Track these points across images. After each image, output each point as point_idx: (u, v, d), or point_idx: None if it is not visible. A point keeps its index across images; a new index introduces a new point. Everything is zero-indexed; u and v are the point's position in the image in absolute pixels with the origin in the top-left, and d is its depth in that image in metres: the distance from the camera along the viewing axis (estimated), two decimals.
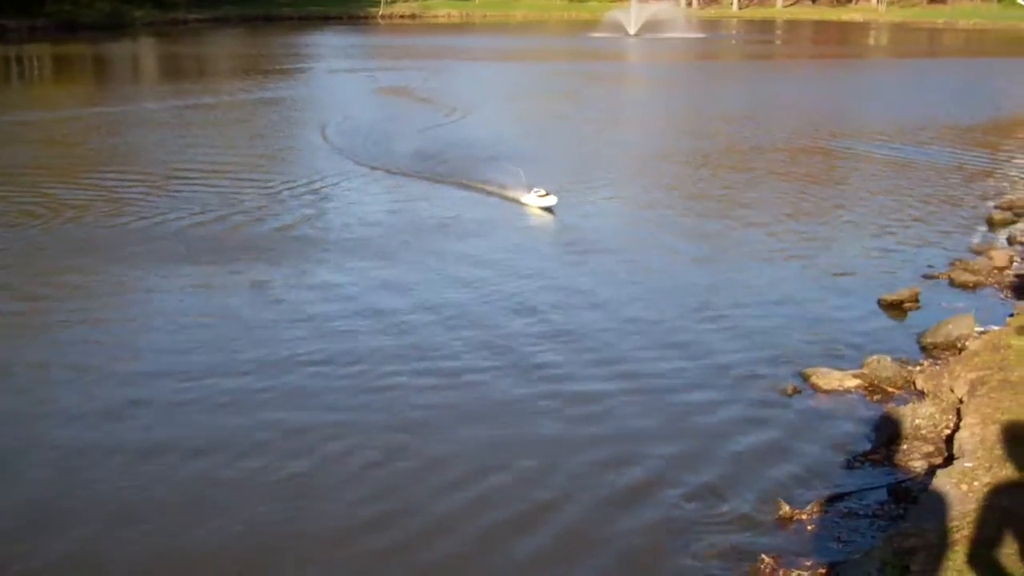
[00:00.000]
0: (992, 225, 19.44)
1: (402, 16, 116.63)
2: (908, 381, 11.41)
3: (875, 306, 14.38)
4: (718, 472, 9.44)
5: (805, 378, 11.57)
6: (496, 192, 21.27)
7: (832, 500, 8.82)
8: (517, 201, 20.24)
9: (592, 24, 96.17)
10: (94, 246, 17.33)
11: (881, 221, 19.68)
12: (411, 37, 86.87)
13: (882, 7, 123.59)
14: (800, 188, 23.10)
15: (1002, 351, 11.01)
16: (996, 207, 20.76)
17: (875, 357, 11.78)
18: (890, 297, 14.47)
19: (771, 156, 27.58)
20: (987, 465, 8.33)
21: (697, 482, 9.24)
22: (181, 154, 26.81)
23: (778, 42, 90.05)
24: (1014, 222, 19.51)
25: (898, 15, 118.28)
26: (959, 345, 12.29)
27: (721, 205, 21.30)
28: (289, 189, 22.09)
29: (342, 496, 9.00)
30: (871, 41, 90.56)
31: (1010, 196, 22.03)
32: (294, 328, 13.26)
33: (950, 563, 6.96)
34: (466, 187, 22.08)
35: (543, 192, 19.70)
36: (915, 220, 19.78)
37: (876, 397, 11.11)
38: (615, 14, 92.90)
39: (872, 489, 9.03)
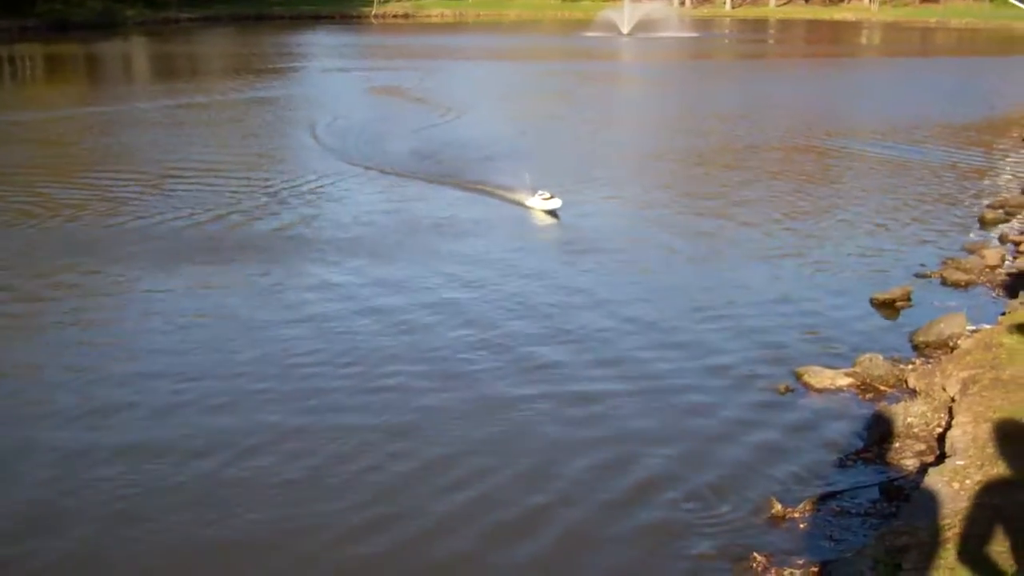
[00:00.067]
0: (984, 224, 19.49)
1: (395, 16, 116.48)
2: (900, 380, 11.44)
3: (867, 305, 14.41)
4: (711, 471, 9.47)
5: (798, 377, 11.60)
6: (500, 195, 21.10)
7: (824, 498, 8.84)
8: (521, 204, 20.09)
9: (585, 23, 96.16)
10: (89, 246, 17.33)
11: (874, 220, 19.72)
12: (404, 37, 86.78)
13: (874, 6, 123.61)
14: (794, 187, 23.12)
15: (994, 349, 11.03)
16: (988, 206, 20.80)
17: (867, 356, 11.82)
18: (882, 296, 14.50)
19: (765, 155, 27.61)
20: (979, 463, 8.35)
21: (690, 481, 9.26)
22: (174, 154, 26.78)
23: (771, 41, 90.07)
24: (1006, 221, 19.55)
25: (890, 14, 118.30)
26: (951, 344, 12.32)
27: (716, 204, 21.31)
28: (283, 189, 22.09)
29: (342, 498, 9.00)
30: (864, 40, 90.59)
31: (1002, 195, 22.08)
32: (290, 328, 13.27)
33: (942, 561, 6.98)
34: (470, 189, 21.96)
35: (548, 195, 19.51)
36: (908, 219, 19.82)
37: (868, 396, 11.15)
38: (608, 13, 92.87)
39: (864, 487, 9.05)
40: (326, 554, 8.16)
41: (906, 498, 8.59)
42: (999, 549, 6.98)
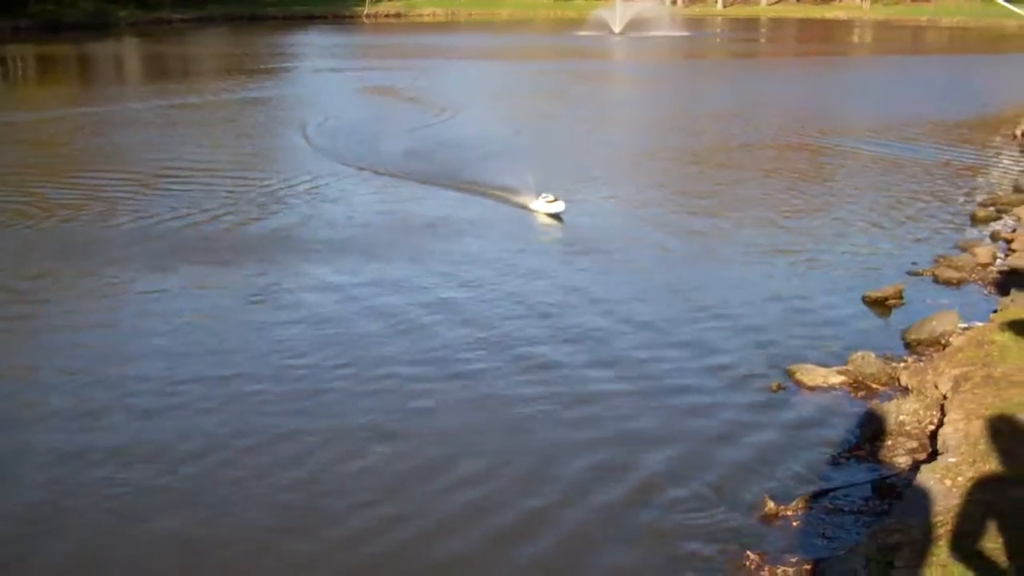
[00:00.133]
0: (976, 221, 19.52)
1: (387, 15, 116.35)
2: (892, 377, 11.46)
3: (860, 303, 14.43)
4: (703, 469, 9.48)
5: (790, 375, 11.62)
6: (503, 197, 20.94)
7: (817, 496, 8.86)
8: (524, 207, 19.94)
9: (577, 23, 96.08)
10: (81, 246, 17.31)
11: (866, 217, 19.75)
12: (396, 36, 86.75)
13: (866, 5, 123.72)
14: (786, 185, 23.16)
15: (986, 347, 11.05)
16: (980, 203, 20.85)
17: (859, 354, 11.84)
18: (874, 294, 14.53)
19: (758, 153, 27.63)
20: (971, 460, 8.37)
21: (682, 479, 9.27)
22: (167, 154, 26.75)
23: (763, 40, 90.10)
24: (998, 218, 19.59)
25: (882, 13, 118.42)
26: (943, 341, 12.35)
27: (709, 203, 21.34)
28: (277, 189, 22.08)
29: (339, 499, 8.98)
30: (855, 39, 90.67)
31: (994, 193, 22.13)
32: (285, 329, 13.26)
33: (934, 558, 7.00)
34: (471, 191, 21.81)
35: (551, 198, 19.33)
36: (900, 217, 19.85)
37: (860, 394, 11.17)
38: (600, 13, 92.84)
39: (857, 485, 9.07)
40: (324, 556, 8.14)
41: (898, 496, 8.61)
42: (991, 546, 7.00)
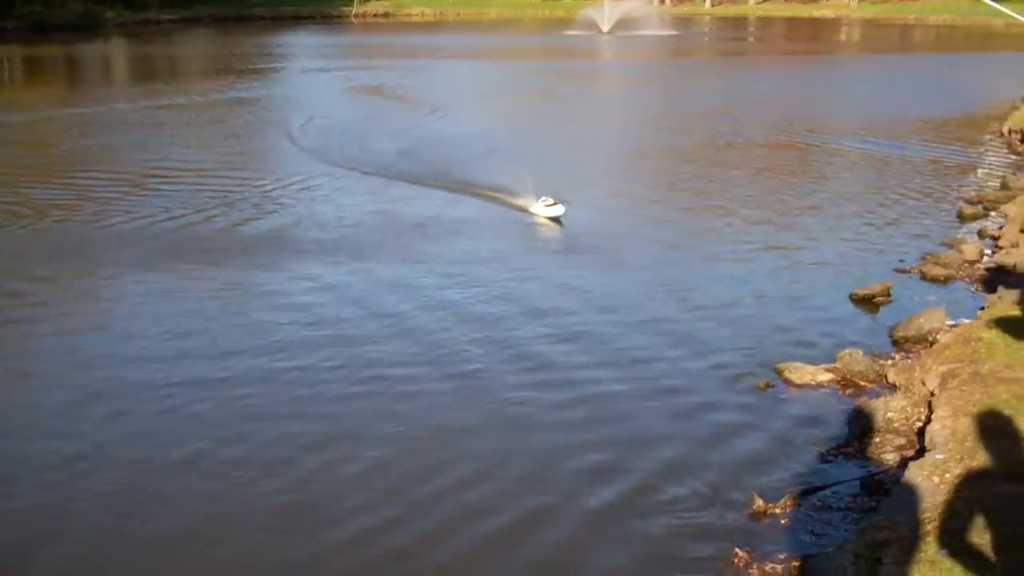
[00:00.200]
0: (963, 219, 19.58)
1: (375, 15, 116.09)
2: (880, 375, 11.49)
3: (847, 300, 14.47)
4: (692, 468, 9.49)
5: (778, 373, 11.64)
6: (496, 198, 20.83)
7: (805, 494, 8.88)
8: (524, 210, 19.73)
9: (566, 22, 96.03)
10: (70, 247, 17.30)
11: (854, 215, 19.80)
12: (385, 36, 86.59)
13: (853, 3, 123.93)
14: (774, 183, 23.22)
15: (973, 344, 11.08)
16: (967, 201, 20.91)
17: (847, 351, 11.87)
18: (862, 292, 14.56)
19: (747, 152, 27.68)
20: (958, 457, 8.40)
21: (671, 477, 9.29)
22: (157, 155, 26.69)
23: (751, 39, 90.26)
24: (984, 215, 19.65)
25: (869, 11, 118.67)
26: (930, 338, 12.38)
27: (698, 201, 21.38)
28: (265, 190, 22.04)
29: (333, 502, 8.96)
30: (843, 37, 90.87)
31: (981, 190, 22.20)
32: (279, 331, 13.23)
33: (922, 554, 7.02)
34: (470, 194, 21.64)
35: (551, 201, 19.14)
36: (887, 214, 19.91)
37: (848, 391, 11.19)
38: (588, 12, 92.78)
39: (845, 482, 9.10)
40: (318, 558, 8.13)
41: (886, 492, 8.64)
42: (979, 542, 7.02)
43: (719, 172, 24.64)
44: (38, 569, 8.06)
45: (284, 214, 19.82)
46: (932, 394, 10.30)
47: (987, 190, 22.07)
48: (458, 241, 17.69)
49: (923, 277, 15.55)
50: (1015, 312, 12.02)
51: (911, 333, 12.72)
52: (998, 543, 6.94)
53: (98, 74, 55.73)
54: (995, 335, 11.17)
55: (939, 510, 7.55)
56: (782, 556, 7.91)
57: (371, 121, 33.49)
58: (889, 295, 14.52)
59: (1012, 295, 12.90)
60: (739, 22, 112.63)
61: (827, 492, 8.93)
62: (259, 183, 22.79)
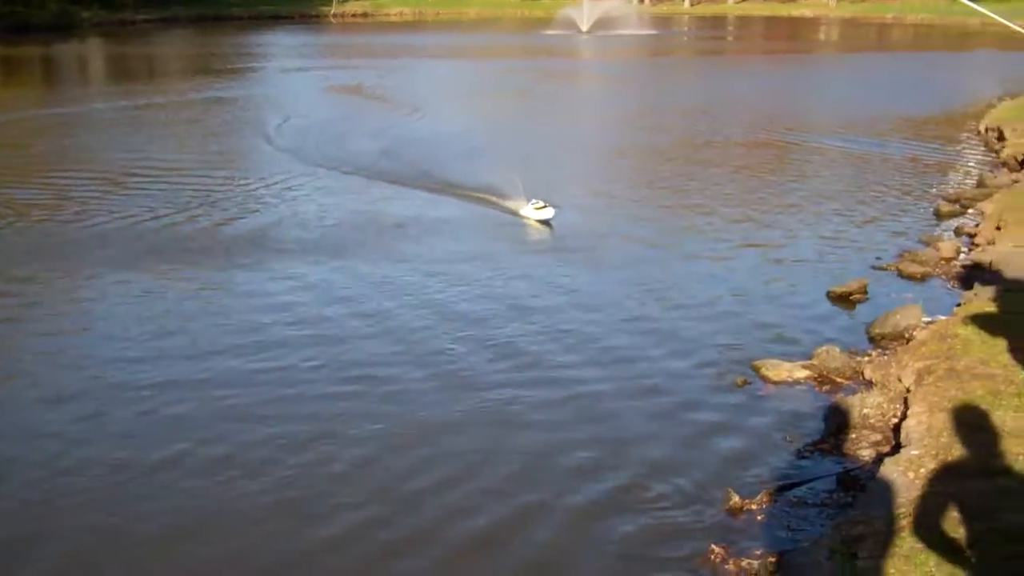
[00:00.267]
0: (940, 216, 19.68)
1: (354, 15, 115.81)
2: (857, 371, 11.54)
3: (824, 298, 14.51)
4: (667, 463, 9.51)
5: (755, 369, 11.67)
6: (483, 200, 20.66)
7: (782, 490, 8.90)
8: (513, 212, 19.54)
9: (545, 21, 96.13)
10: (49, 248, 17.22)
11: (832, 213, 19.86)
12: (364, 36, 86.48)
13: (832, 2, 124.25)
14: (753, 181, 23.27)
15: (949, 340, 11.13)
16: (944, 199, 21.01)
17: (824, 348, 11.90)
18: (839, 289, 14.61)
19: (726, 150, 27.74)
20: (934, 453, 8.44)
21: (645, 473, 9.30)
22: (136, 154, 26.54)
23: (730, 38, 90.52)
24: (962, 213, 19.73)
25: (848, 10, 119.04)
26: (907, 335, 12.42)
27: (676, 199, 21.42)
28: (245, 189, 22.02)
29: (320, 504, 8.91)
30: (822, 36, 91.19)
31: (957, 188, 22.31)
32: (262, 331, 13.17)
33: (897, 549, 7.05)
34: (451, 194, 21.54)
35: (540, 204, 18.98)
36: (865, 212, 19.98)
37: (825, 387, 11.23)
38: (568, 11, 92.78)
39: (821, 478, 9.12)
40: (305, 559, 8.10)
41: (862, 488, 8.66)
42: (953, 537, 7.06)
43: (699, 170, 24.68)
44: (25, 568, 8.00)
45: (265, 213, 19.76)
46: (908, 390, 10.35)
47: (964, 188, 22.17)
48: (439, 241, 17.66)
49: (900, 274, 15.61)
50: (991, 309, 12.10)
51: (888, 330, 12.77)
52: (973, 538, 6.98)
53: (76, 74, 55.47)
54: (971, 332, 11.22)
55: (914, 505, 7.58)
56: (758, 552, 7.92)
57: (350, 121, 33.43)
58: (866, 292, 14.57)
59: (988, 292, 12.96)
60: (718, 21, 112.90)
61: (803, 488, 8.95)
62: (239, 182, 22.73)
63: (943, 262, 16.04)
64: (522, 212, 19.23)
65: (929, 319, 12.68)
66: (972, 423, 8.82)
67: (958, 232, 18.18)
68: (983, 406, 9.12)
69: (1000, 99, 37.18)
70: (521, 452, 9.81)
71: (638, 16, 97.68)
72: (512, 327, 13.29)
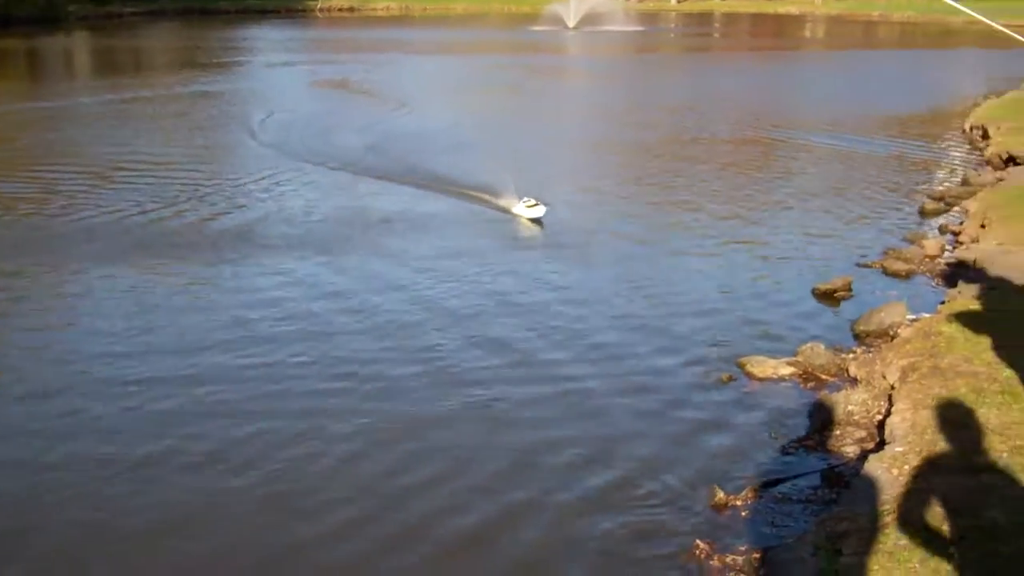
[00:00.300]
0: (924, 214, 19.76)
1: (340, 9, 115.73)
2: (841, 368, 11.58)
3: (810, 295, 14.56)
4: (652, 460, 9.53)
5: (741, 366, 11.70)
6: (479, 199, 20.48)
7: (766, 486, 8.94)
8: (505, 210, 19.44)
9: (532, 17, 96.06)
10: (38, 241, 17.18)
11: (817, 210, 19.94)
12: (350, 30, 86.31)
13: (818, 0, 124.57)
14: (739, 178, 23.32)
15: (933, 338, 11.17)
16: (929, 197, 21.08)
17: (809, 345, 11.94)
18: (824, 286, 14.66)
19: (712, 147, 27.81)
20: (917, 450, 8.47)
21: (631, 469, 9.33)
22: (123, 148, 26.51)
23: (716, 35, 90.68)
24: (946, 211, 19.81)
25: (834, 8, 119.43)
26: (891, 332, 12.47)
27: (662, 196, 21.45)
28: (233, 184, 21.95)
29: (307, 500, 8.88)
30: (808, 34, 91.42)
31: (942, 186, 22.40)
32: (250, 326, 13.17)
33: (881, 545, 7.08)
34: (446, 192, 21.38)
35: (532, 202, 18.84)
36: (850, 209, 20.05)
37: (810, 384, 11.28)
38: (554, 8, 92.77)
39: (805, 475, 9.16)
40: (289, 553, 8.10)
41: (846, 485, 8.71)
42: (937, 533, 7.09)
43: (685, 167, 24.73)
44: (11, 564, 7.98)
45: (251, 209, 19.73)
46: (892, 387, 10.39)
47: (949, 186, 22.26)
48: (427, 237, 17.65)
49: (885, 272, 15.67)
50: (974, 307, 12.15)
51: (872, 327, 12.82)
52: (956, 534, 7.02)
53: (61, 68, 55.29)
54: (955, 329, 11.27)
55: (898, 502, 7.62)
56: (743, 548, 7.96)
57: (336, 115, 33.41)
58: (851, 290, 14.63)
59: (972, 290, 13.03)
60: (704, 18, 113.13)
61: (788, 484, 8.99)
62: (225, 177, 22.69)
63: (928, 260, 16.11)
64: (514, 210, 19.14)
65: (913, 317, 12.73)
66: (956, 420, 8.86)
67: (943, 230, 18.26)
68: (967, 403, 9.16)
69: (985, 97, 37.34)
70: (507, 448, 9.82)
71: (624, 12, 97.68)
72: (499, 323, 13.31)
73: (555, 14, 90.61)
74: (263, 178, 22.55)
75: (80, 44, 70.83)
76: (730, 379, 11.42)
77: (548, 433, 10.14)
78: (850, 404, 10.25)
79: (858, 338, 12.76)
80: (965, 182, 22.16)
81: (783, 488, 8.92)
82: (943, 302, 13.13)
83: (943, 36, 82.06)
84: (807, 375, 11.46)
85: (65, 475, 9.31)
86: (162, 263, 15.90)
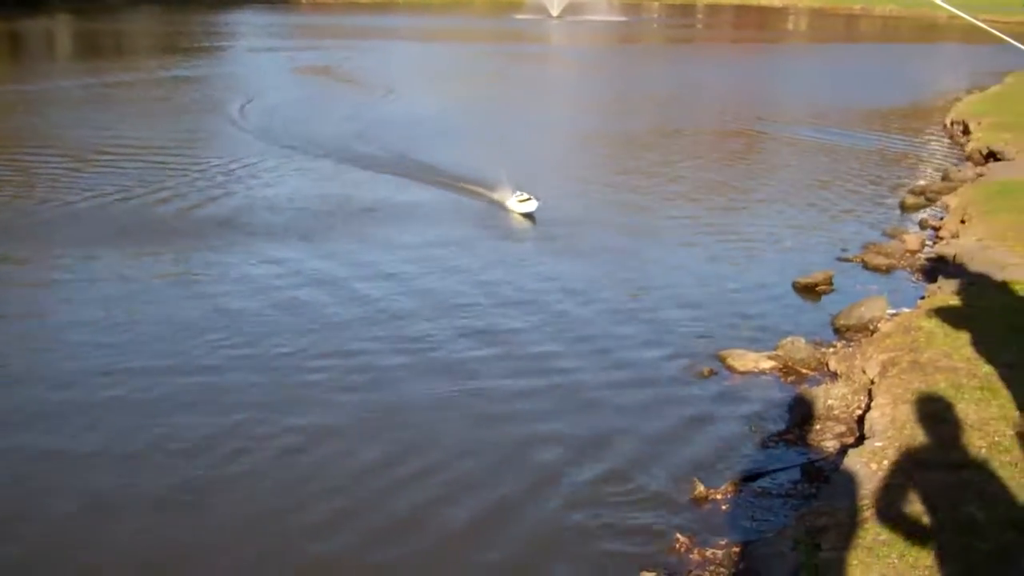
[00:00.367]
0: (905, 209, 19.86)
1: None
2: (821, 363, 11.64)
3: (790, 289, 14.62)
4: (633, 453, 9.56)
5: (721, 360, 11.75)
6: (468, 190, 20.37)
7: (746, 480, 8.98)
8: (496, 203, 19.25)
9: (516, 5, 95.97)
10: (17, 228, 17.11)
11: (798, 204, 20.03)
12: (334, 16, 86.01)
13: None
14: (720, 171, 23.42)
15: (913, 333, 11.23)
16: (909, 191, 21.20)
17: (789, 339, 11.99)
18: (804, 280, 14.72)
19: (695, 139, 27.93)
20: (897, 444, 8.52)
21: (612, 463, 9.35)
22: (103, 133, 26.36)
23: (699, 26, 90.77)
24: (926, 206, 19.92)
25: (816, 1, 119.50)
26: (871, 327, 12.53)
27: (644, 187, 21.49)
28: (216, 170, 21.86)
29: (293, 495, 8.85)
30: (790, 26, 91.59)
31: (922, 181, 22.51)
32: (235, 316, 13.10)
33: (860, 540, 7.12)
34: (432, 182, 21.28)
35: (524, 196, 18.59)
36: (831, 203, 20.14)
37: (790, 378, 11.33)
38: None
39: (785, 469, 9.21)
40: (278, 550, 8.06)
41: (826, 479, 8.75)
42: (916, 528, 7.14)
43: (668, 158, 24.80)
44: None
45: (235, 195, 19.66)
46: (872, 382, 10.44)
47: (930, 181, 22.37)
48: (413, 226, 17.64)
49: (865, 266, 15.76)
50: (954, 302, 12.21)
51: (852, 321, 12.89)
52: (934, 528, 7.07)
53: (43, 51, 54.89)
54: (934, 324, 11.32)
55: (877, 496, 7.66)
56: (722, 542, 8.00)
57: (319, 101, 33.32)
58: (831, 284, 14.70)
59: (951, 285, 13.09)
60: (687, 9, 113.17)
61: (768, 479, 9.04)
62: (209, 163, 22.59)
63: (908, 255, 16.21)
64: (507, 204, 18.96)
65: (893, 311, 12.80)
66: (935, 415, 8.91)
67: (923, 225, 18.36)
68: (946, 398, 9.21)
69: (967, 92, 37.52)
70: (489, 442, 9.83)
71: (608, 2, 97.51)
72: (484, 314, 13.31)
73: (538, 2, 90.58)
74: (247, 164, 22.46)
75: (62, 27, 70.36)
76: (711, 373, 11.46)
77: (530, 427, 10.12)
78: (830, 398, 10.31)
79: (838, 332, 12.83)
80: (946, 177, 22.27)
81: (763, 482, 8.97)
82: (923, 297, 13.21)
83: (926, 31, 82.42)
84: (787, 369, 11.52)
85: (49, 464, 9.28)
86: (146, 249, 15.84)
